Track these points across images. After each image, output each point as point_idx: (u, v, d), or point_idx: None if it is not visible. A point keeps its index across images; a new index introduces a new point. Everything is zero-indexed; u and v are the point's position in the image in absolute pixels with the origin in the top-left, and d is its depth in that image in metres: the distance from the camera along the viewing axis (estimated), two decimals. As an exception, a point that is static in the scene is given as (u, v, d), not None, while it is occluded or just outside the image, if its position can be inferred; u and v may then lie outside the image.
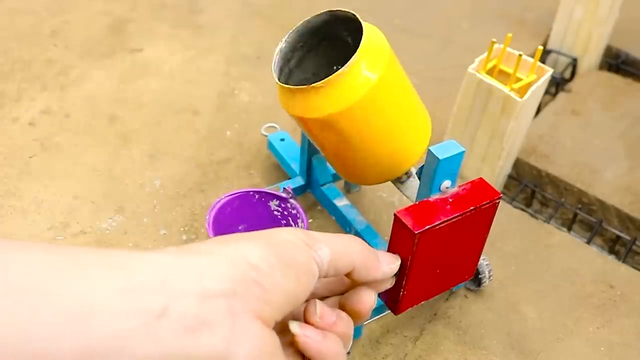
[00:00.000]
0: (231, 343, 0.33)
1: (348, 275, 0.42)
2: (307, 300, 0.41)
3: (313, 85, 0.52)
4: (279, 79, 0.56)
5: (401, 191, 0.62)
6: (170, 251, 0.35)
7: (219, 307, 0.33)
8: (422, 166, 0.56)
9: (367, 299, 0.44)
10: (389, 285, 0.49)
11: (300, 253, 0.38)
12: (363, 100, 0.52)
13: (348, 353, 0.62)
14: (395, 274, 0.57)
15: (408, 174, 0.61)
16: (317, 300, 0.41)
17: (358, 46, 0.52)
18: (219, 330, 0.33)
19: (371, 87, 0.52)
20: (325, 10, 0.55)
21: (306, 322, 0.40)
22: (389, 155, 0.58)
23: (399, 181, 0.62)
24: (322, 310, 0.40)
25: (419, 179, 0.57)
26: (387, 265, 0.47)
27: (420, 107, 0.59)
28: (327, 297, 0.46)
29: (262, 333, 0.35)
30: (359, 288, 0.44)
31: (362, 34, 0.52)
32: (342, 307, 0.44)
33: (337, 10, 0.55)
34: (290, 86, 0.54)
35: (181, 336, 0.32)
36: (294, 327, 0.39)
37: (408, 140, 0.58)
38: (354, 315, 0.43)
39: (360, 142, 0.56)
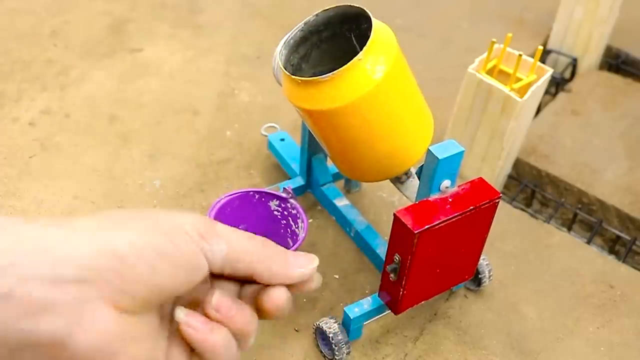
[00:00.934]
0: (73, 329, 0.33)
1: (254, 278, 0.40)
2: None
3: (320, 77, 0.52)
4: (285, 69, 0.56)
5: (401, 191, 0.62)
6: (44, 223, 0.34)
7: (68, 293, 0.33)
8: (422, 166, 0.56)
9: (276, 297, 0.40)
10: (314, 286, 0.45)
11: (187, 244, 0.36)
12: (368, 96, 0.53)
13: (348, 353, 0.62)
14: (395, 273, 0.57)
15: (408, 174, 0.61)
16: (217, 291, 0.38)
17: (362, 43, 0.52)
18: (62, 316, 0.32)
19: (377, 83, 0.52)
20: (335, 6, 0.55)
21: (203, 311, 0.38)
22: (390, 153, 0.58)
23: (398, 181, 0.62)
24: (219, 302, 0.38)
25: (419, 178, 0.57)
26: (298, 269, 0.42)
27: (424, 108, 0.59)
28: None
29: (113, 320, 0.34)
30: (271, 286, 0.41)
31: (369, 31, 0.52)
32: (256, 300, 0.41)
33: (347, 6, 0.55)
34: (298, 78, 0.54)
35: (21, 319, 0.32)
36: (179, 314, 0.37)
37: (410, 139, 0.58)
38: (264, 312, 0.41)
39: (363, 137, 0.56)
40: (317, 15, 0.56)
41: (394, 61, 0.53)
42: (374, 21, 0.53)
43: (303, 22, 0.56)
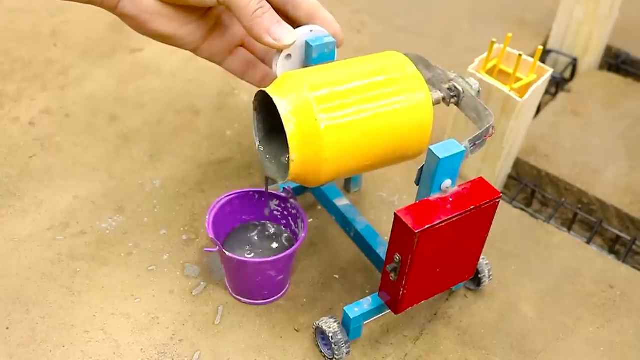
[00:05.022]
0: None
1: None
2: None
3: (279, 183, 0.56)
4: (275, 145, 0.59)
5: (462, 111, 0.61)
6: None
7: None
8: (423, 165, 0.56)
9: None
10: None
11: None
12: (327, 163, 0.54)
13: (348, 353, 0.62)
14: (395, 273, 0.57)
15: (455, 94, 0.59)
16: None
17: None
18: None
19: (325, 158, 0.53)
20: (259, 91, 0.55)
21: None
22: (392, 154, 0.58)
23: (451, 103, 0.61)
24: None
25: (420, 178, 0.57)
26: (269, 38, 0.56)
27: (401, 97, 0.56)
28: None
29: (152, 3, 0.56)
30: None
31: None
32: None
33: (262, 92, 0.55)
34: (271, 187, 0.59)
35: None
36: None
37: (404, 134, 0.57)
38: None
39: (358, 162, 0.56)
40: (255, 98, 0.56)
41: (327, 121, 0.53)
42: (280, 108, 0.52)
43: (253, 107, 0.57)
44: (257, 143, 0.58)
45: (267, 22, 0.55)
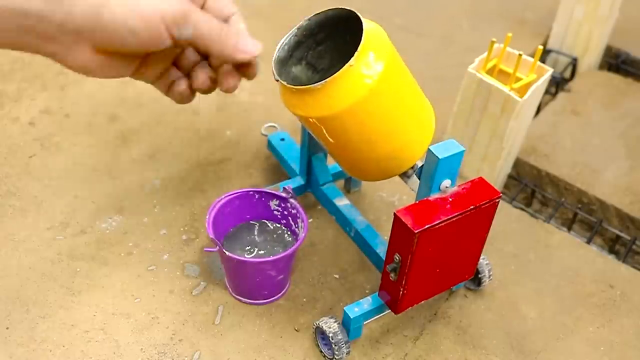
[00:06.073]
0: (67, 55, 0.52)
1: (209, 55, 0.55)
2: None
3: (312, 86, 0.52)
4: (280, 77, 0.56)
5: (407, 184, 0.62)
6: None
7: (68, 35, 0.50)
8: (422, 165, 0.56)
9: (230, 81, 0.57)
10: (253, 73, 0.57)
11: (157, 29, 0.49)
12: (363, 101, 0.52)
13: (348, 353, 0.62)
14: (395, 273, 0.57)
15: (414, 168, 0.61)
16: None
17: (357, 44, 0.52)
18: (63, 46, 0.51)
19: (371, 87, 0.52)
20: (326, 9, 0.55)
21: None
22: (390, 154, 0.58)
23: (405, 175, 0.61)
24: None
25: (419, 178, 0.57)
26: (241, 55, 0.54)
27: (423, 106, 0.59)
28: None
29: (90, 57, 0.53)
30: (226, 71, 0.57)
31: (362, 33, 0.52)
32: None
33: (338, 9, 0.55)
34: (291, 86, 0.54)
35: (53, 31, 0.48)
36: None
37: (410, 139, 0.58)
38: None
39: (361, 141, 0.56)
40: (309, 19, 0.56)
41: (388, 63, 0.53)
42: (365, 24, 0.53)
43: (296, 27, 0.56)
44: (284, 47, 0.57)
45: (234, 39, 0.54)
